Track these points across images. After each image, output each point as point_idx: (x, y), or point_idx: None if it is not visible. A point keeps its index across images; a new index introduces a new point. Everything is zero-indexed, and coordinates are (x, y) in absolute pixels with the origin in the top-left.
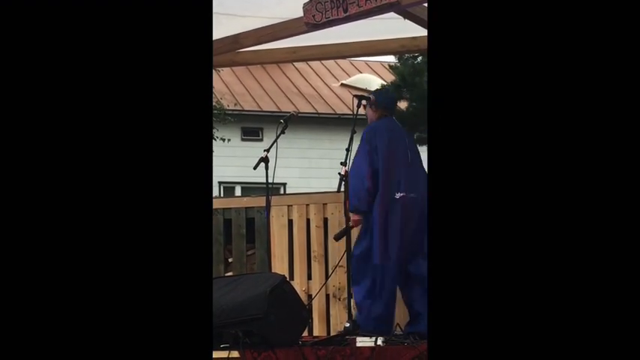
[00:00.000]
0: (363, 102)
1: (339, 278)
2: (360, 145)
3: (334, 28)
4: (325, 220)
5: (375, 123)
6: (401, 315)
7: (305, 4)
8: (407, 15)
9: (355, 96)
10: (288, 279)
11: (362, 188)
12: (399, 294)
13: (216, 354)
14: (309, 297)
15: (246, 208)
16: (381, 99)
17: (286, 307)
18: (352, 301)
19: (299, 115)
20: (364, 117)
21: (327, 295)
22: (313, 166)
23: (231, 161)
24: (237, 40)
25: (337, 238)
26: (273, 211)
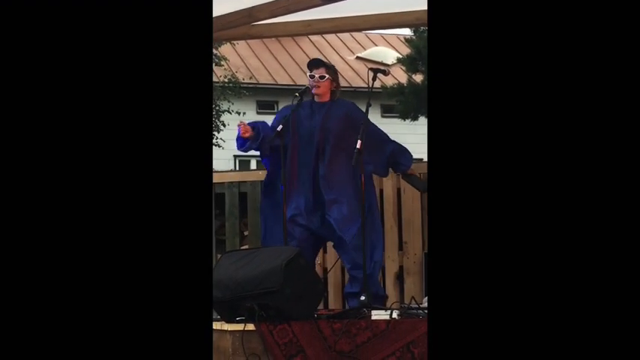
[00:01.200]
0: (378, 74)
1: None
2: (368, 119)
3: (349, 0)
4: None
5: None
6: (416, 289)
7: None
8: None
9: (371, 69)
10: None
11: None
12: None
13: (231, 327)
14: (325, 270)
15: (261, 181)
16: (337, 73)
17: (302, 280)
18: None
19: (312, 90)
20: (380, 90)
21: (343, 268)
22: None
23: None
24: (251, 14)
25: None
26: None
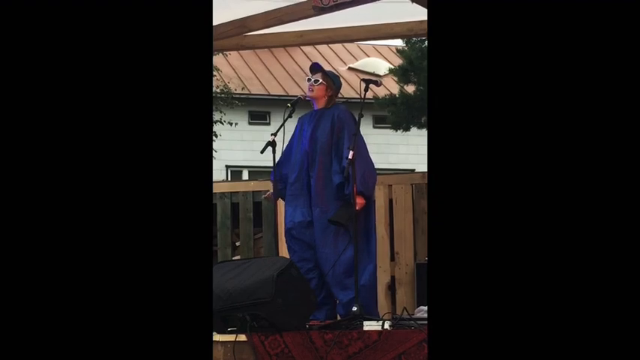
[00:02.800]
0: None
1: None
2: (355, 126)
3: (342, 11)
4: None
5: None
6: (407, 300)
7: None
8: None
9: (363, 80)
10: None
11: (374, 171)
12: None
13: (223, 337)
14: None
15: (253, 191)
16: (337, 81)
17: (293, 290)
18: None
19: (306, 98)
20: (372, 101)
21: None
22: None
23: (239, 145)
24: (244, 24)
25: (341, 221)
26: None
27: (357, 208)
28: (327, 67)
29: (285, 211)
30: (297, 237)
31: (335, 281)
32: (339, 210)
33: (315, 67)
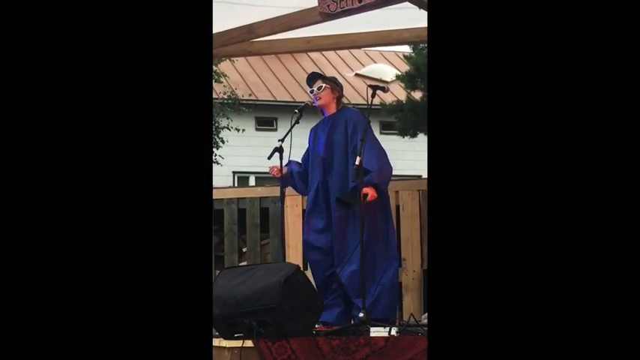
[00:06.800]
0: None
1: None
2: (369, 129)
3: (349, 17)
4: None
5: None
6: (414, 306)
7: None
8: (421, 4)
9: (370, 86)
10: (302, 269)
11: (389, 165)
12: None
13: (229, 343)
14: None
15: (260, 197)
16: (338, 82)
17: (300, 296)
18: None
19: (313, 105)
20: (378, 107)
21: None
22: None
23: (246, 151)
24: (251, 30)
25: (347, 204)
26: (288, 201)
27: (368, 199)
28: (334, 74)
29: (307, 218)
30: (319, 246)
31: (352, 287)
32: (347, 193)
33: (313, 76)
